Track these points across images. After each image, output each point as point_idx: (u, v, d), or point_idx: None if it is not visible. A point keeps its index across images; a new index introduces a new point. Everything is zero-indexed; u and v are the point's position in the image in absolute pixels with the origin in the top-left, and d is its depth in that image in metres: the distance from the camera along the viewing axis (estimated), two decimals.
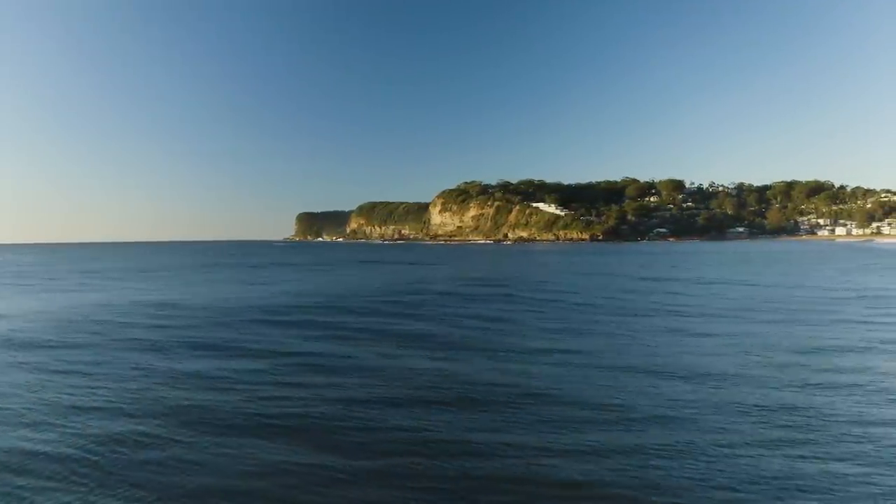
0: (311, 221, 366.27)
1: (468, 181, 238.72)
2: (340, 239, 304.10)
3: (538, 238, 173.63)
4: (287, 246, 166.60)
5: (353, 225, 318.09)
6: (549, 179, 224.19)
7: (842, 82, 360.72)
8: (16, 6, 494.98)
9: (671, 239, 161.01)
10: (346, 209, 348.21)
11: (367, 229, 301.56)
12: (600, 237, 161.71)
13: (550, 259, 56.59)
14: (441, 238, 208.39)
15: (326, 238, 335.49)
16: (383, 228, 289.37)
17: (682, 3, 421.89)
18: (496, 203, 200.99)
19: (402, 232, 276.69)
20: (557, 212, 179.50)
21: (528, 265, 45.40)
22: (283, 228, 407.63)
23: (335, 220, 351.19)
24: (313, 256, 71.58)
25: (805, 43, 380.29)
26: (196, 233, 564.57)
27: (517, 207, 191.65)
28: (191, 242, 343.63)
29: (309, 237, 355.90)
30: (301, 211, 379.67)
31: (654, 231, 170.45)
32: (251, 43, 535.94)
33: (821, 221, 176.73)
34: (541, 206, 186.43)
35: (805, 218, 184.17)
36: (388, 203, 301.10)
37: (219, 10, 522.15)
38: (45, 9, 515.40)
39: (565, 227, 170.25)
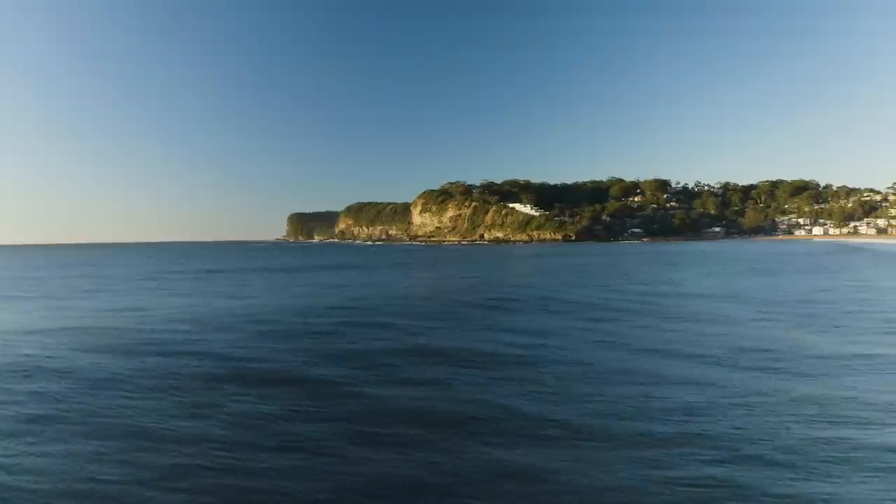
0: (303, 222, 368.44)
1: (452, 181, 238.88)
2: (335, 239, 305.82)
3: (513, 238, 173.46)
4: (275, 247, 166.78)
5: (342, 226, 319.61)
6: (538, 180, 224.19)
7: (837, 82, 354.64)
8: (16, 6, 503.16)
9: (645, 239, 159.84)
10: (338, 209, 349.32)
11: (356, 230, 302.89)
12: (573, 238, 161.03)
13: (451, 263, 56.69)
14: (421, 238, 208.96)
15: (318, 238, 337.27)
16: (371, 229, 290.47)
17: (679, 3, 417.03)
18: (473, 203, 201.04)
19: (390, 232, 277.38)
20: (532, 212, 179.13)
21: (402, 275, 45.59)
22: (275, 229, 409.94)
23: (326, 220, 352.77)
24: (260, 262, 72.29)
25: (801, 42, 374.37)
26: (191, 234, 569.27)
27: (493, 208, 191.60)
28: (190, 243, 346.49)
29: (300, 237, 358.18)
30: (293, 211, 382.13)
31: (629, 231, 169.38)
32: (247, 44, 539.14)
33: (801, 221, 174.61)
34: (516, 206, 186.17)
35: (786, 217, 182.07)
36: (377, 204, 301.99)
37: (205, 11, 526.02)
38: (44, 8, 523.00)
39: (539, 227, 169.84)
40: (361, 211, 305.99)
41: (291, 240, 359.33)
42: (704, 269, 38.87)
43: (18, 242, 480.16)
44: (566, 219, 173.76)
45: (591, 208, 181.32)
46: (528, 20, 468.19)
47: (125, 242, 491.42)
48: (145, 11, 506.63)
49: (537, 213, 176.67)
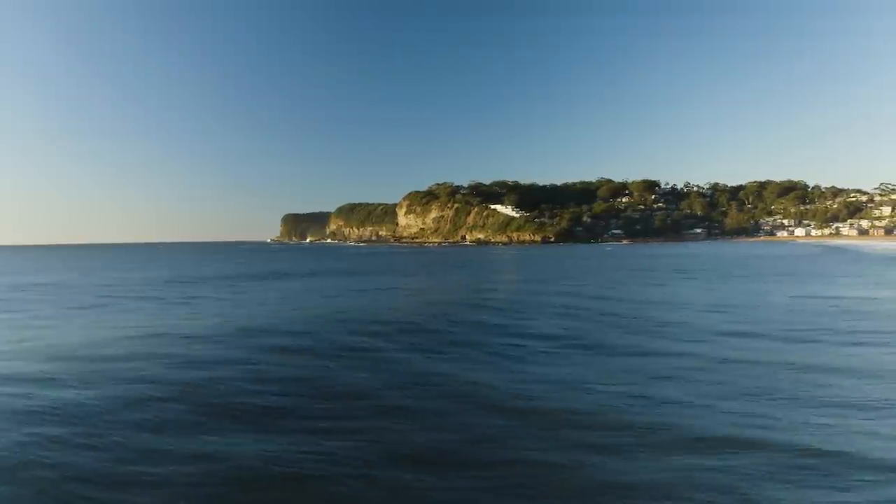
0: (297, 222, 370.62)
1: (440, 182, 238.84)
2: (327, 240, 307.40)
3: (493, 240, 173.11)
4: (259, 249, 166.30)
5: (333, 226, 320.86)
6: (530, 180, 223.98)
7: (835, 82, 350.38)
8: (16, 6, 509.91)
9: (625, 241, 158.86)
10: (332, 210, 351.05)
11: (346, 230, 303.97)
12: (552, 239, 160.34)
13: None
14: (405, 240, 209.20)
15: (310, 239, 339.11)
16: (361, 230, 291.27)
17: (679, 3, 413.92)
18: (456, 205, 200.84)
19: (380, 233, 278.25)
20: (513, 213, 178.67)
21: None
22: (272, 229, 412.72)
23: (320, 221, 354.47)
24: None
25: (800, 42, 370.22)
26: (190, 234, 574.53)
27: (475, 209, 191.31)
28: (189, 244, 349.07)
29: (294, 238, 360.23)
30: (287, 212, 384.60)
31: (610, 233, 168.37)
32: (246, 44, 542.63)
33: (785, 222, 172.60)
34: (498, 207, 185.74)
35: (772, 218, 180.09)
36: (367, 204, 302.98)
37: (204, 12, 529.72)
38: (43, 9, 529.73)
39: (518, 228, 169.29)
40: (352, 212, 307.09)
41: (286, 240, 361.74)
42: (620, 274, 38.37)
43: (18, 243, 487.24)
44: (546, 220, 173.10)
45: (572, 209, 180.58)
46: (528, 20, 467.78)
47: (124, 243, 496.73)
48: (144, 12, 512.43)
49: (517, 215, 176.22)
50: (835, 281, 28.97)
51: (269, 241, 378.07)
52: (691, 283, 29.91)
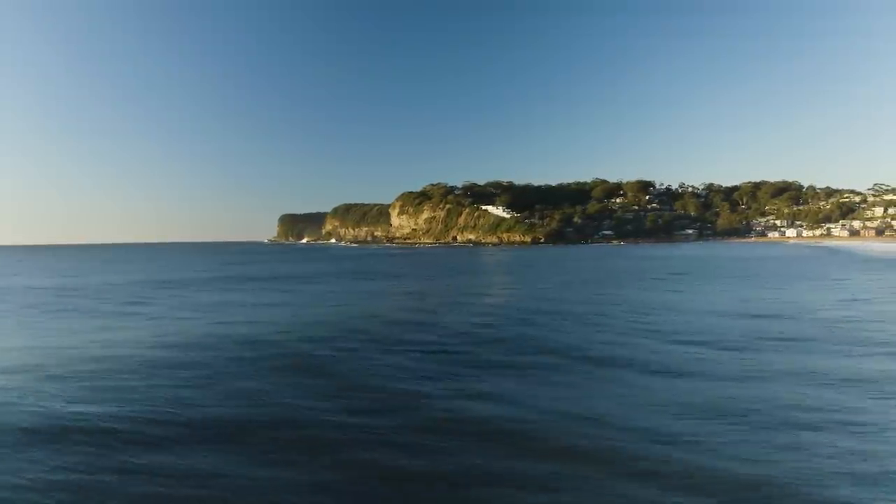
0: (294, 223, 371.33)
1: (434, 183, 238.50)
2: (324, 241, 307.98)
3: (483, 241, 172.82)
4: (248, 250, 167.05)
5: (329, 227, 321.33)
6: (525, 181, 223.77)
7: (835, 82, 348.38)
8: (15, 6, 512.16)
9: (614, 242, 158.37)
10: (329, 210, 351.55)
11: (342, 231, 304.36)
12: (542, 240, 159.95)
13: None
14: (398, 240, 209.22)
15: (306, 239, 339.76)
16: (356, 230, 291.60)
17: (679, 3, 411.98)
18: (447, 206, 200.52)
19: (375, 234, 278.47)
20: (503, 214, 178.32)
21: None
22: (268, 229, 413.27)
23: (317, 221, 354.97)
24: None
25: (799, 42, 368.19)
26: (190, 234, 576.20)
27: (466, 210, 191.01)
28: (189, 244, 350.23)
29: (291, 238, 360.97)
30: (285, 212, 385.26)
31: (600, 234, 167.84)
32: (245, 45, 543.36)
33: (777, 223, 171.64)
34: (489, 208, 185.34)
35: (764, 219, 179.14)
36: (363, 205, 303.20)
37: (204, 12, 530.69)
38: (44, 8, 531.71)
39: (509, 229, 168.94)
40: (348, 212, 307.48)
41: (282, 240, 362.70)
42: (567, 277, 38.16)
43: (18, 243, 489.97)
44: (536, 221, 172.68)
45: (563, 210, 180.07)
46: (528, 20, 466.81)
47: (124, 243, 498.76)
48: (144, 12, 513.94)
49: (507, 216, 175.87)
50: (821, 285, 28.74)
51: (265, 241, 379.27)
52: (647, 285, 29.67)
